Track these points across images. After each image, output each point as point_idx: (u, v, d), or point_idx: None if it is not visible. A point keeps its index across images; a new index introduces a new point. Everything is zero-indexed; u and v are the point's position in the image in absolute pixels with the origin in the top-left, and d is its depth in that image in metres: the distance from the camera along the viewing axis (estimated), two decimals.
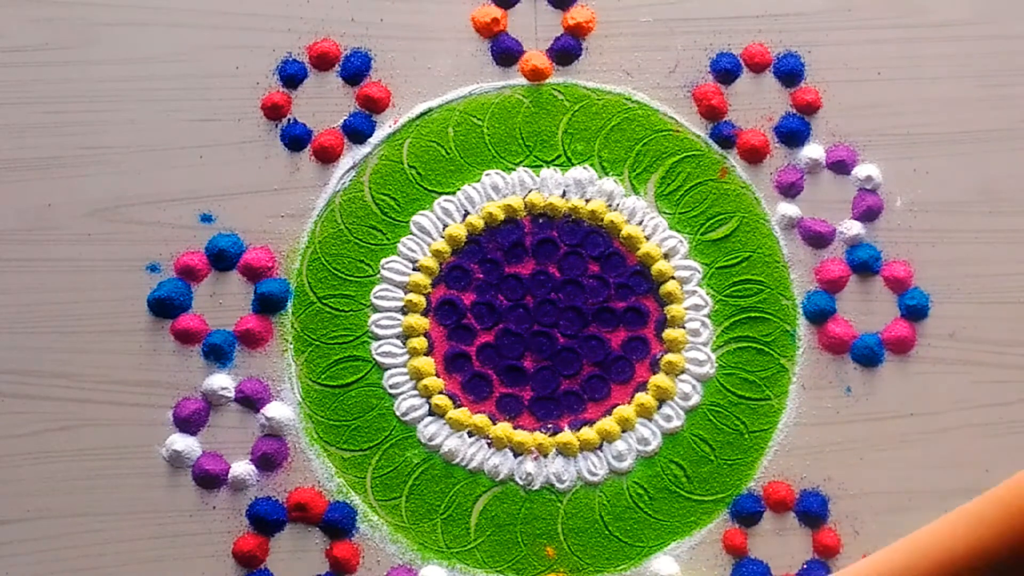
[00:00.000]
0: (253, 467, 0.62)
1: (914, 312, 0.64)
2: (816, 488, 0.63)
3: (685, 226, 0.65)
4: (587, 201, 0.65)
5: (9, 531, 0.61)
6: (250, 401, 0.63)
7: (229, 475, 0.62)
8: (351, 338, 0.64)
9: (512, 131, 0.66)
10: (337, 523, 0.61)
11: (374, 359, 0.63)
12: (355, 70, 0.66)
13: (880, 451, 0.63)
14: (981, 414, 0.64)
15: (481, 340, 0.64)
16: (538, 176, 0.65)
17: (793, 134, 0.66)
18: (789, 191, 0.66)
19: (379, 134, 0.66)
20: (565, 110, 0.66)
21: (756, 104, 0.67)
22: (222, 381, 0.63)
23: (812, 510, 0.62)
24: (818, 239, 0.65)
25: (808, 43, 0.67)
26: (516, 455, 0.63)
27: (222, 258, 0.64)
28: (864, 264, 0.65)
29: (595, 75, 0.67)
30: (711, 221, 0.65)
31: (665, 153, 0.66)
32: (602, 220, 0.65)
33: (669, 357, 0.64)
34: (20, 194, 0.64)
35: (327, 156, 0.65)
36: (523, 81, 0.67)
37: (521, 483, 0.62)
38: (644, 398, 0.63)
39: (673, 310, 0.64)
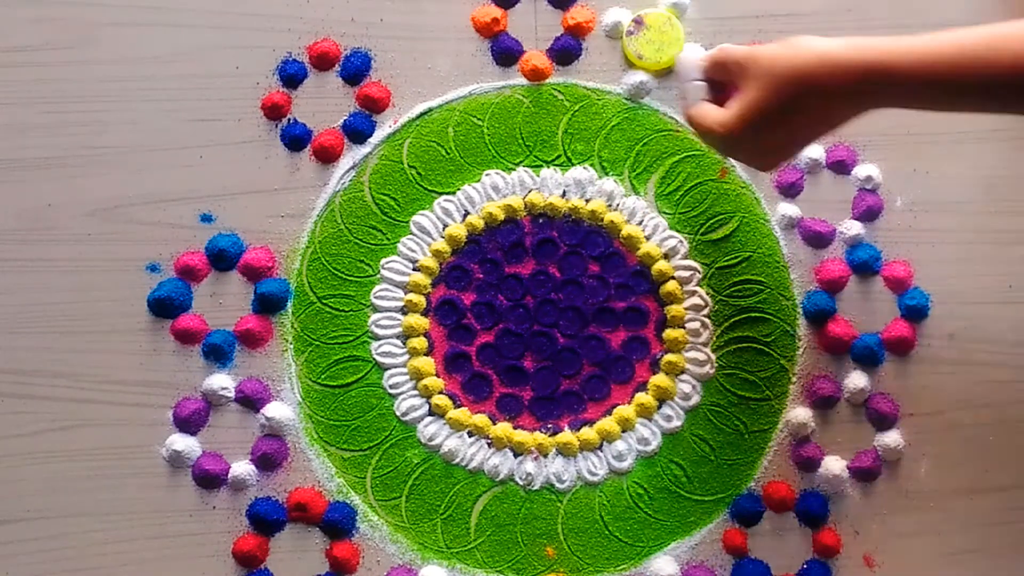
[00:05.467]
0: (253, 467, 0.62)
1: (914, 312, 0.64)
2: (816, 488, 0.63)
3: (685, 226, 0.65)
4: (587, 201, 0.65)
5: (9, 531, 0.61)
6: (250, 401, 0.63)
7: (229, 475, 0.62)
8: (351, 338, 0.64)
9: (512, 131, 0.66)
10: (337, 523, 0.61)
11: (374, 359, 0.63)
12: (355, 70, 0.66)
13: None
14: (981, 414, 0.64)
15: (481, 340, 0.64)
16: (538, 176, 0.65)
17: None
18: (789, 191, 0.66)
19: (379, 134, 0.66)
20: (565, 110, 0.66)
21: None
22: (222, 381, 0.63)
23: (812, 510, 0.62)
24: (818, 239, 0.65)
25: None
26: (516, 455, 0.63)
27: (222, 258, 0.64)
28: (864, 264, 0.65)
29: (595, 75, 0.67)
30: (711, 221, 0.65)
31: (665, 153, 0.66)
32: (602, 220, 0.65)
33: (669, 357, 0.64)
34: (20, 194, 0.64)
35: (327, 156, 0.65)
36: (523, 81, 0.66)
37: (521, 483, 0.62)
38: (644, 398, 0.63)
39: (673, 310, 0.64)
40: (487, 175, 0.65)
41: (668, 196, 0.65)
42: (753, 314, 0.64)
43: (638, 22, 0.65)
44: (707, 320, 0.64)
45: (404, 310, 0.64)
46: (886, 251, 0.65)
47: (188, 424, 0.62)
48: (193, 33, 0.66)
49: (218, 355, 0.63)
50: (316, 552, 0.61)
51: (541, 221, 0.65)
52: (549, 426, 0.63)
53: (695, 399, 0.63)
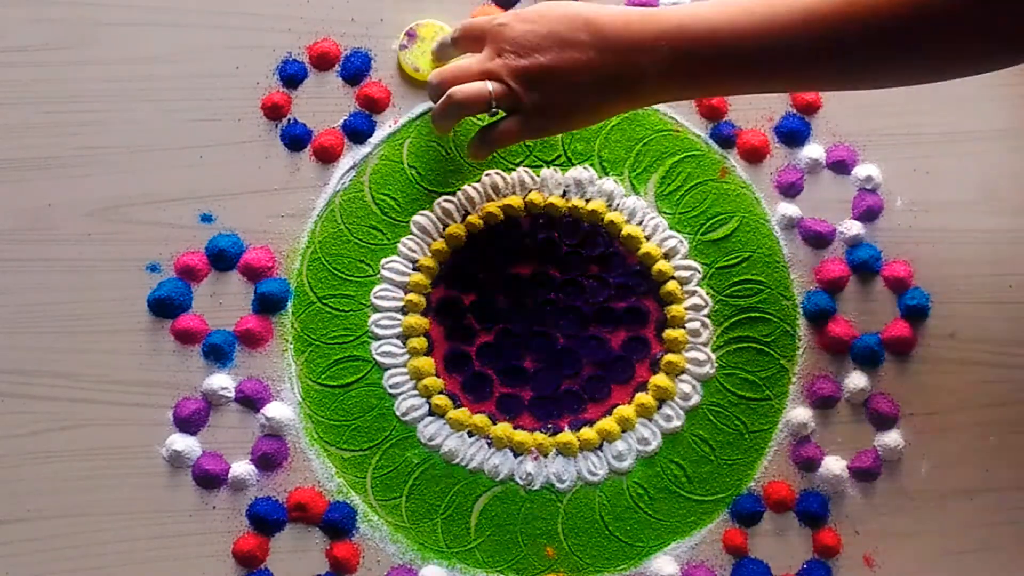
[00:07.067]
0: (253, 467, 0.62)
1: (914, 312, 0.64)
2: (816, 488, 0.63)
3: (685, 226, 0.65)
4: (587, 201, 0.65)
5: (9, 531, 0.61)
6: (250, 401, 0.63)
7: (229, 475, 0.62)
8: (351, 338, 0.64)
9: None
10: (337, 523, 0.61)
11: (374, 359, 0.63)
12: (355, 70, 0.66)
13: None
14: (981, 414, 0.64)
15: (481, 340, 0.64)
16: (538, 176, 0.65)
17: (793, 134, 0.66)
18: (789, 191, 0.66)
19: (379, 134, 0.66)
20: None
21: (756, 104, 0.67)
22: (222, 381, 0.63)
23: (812, 510, 0.62)
24: (818, 239, 0.65)
25: None
26: (516, 455, 0.63)
27: (222, 258, 0.64)
28: (864, 264, 0.65)
29: None
30: (711, 221, 0.65)
31: (665, 153, 0.66)
32: (602, 220, 0.65)
33: (669, 357, 0.64)
34: (20, 194, 0.64)
35: (327, 156, 0.65)
36: None
37: (521, 483, 0.62)
38: (644, 398, 0.63)
39: (673, 310, 0.64)
40: (487, 175, 0.65)
41: (668, 196, 0.66)
42: (753, 314, 0.64)
43: (411, 35, 0.65)
44: (707, 320, 0.64)
45: (404, 310, 0.64)
46: (886, 251, 0.65)
47: (188, 424, 0.62)
48: (193, 33, 0.66)
49: (218, 355, 0.63)
50: (316, 552, 0.61)
51: (541, 221, 0.65)
52: (549, 426, 0.63)
53: (695, 399, 0.63)
